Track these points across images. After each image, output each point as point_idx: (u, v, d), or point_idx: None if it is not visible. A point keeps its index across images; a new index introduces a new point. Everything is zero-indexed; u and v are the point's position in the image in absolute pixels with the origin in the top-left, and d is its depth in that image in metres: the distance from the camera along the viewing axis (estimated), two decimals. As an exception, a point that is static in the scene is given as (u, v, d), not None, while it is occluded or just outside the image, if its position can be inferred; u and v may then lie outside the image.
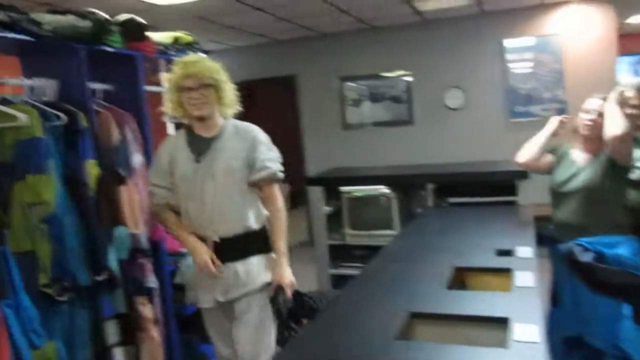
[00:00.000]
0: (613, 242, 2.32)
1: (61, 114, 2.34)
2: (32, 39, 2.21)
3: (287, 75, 7.17)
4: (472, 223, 3.27)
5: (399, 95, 6.58)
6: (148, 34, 2.93)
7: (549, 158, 2.85)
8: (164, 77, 2.25)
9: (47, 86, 2.44)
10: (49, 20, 2.27)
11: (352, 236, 4.20)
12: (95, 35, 2.49)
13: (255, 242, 2.39)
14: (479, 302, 2.00)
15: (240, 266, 2.34)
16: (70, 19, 2.34)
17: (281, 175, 2.42)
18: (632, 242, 2.34)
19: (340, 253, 4.36)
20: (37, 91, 2.40)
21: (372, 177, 4.27)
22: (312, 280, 4.56)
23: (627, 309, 2.21)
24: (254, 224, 2.37)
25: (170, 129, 4.10)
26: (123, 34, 2.75)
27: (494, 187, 3.79)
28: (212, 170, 2.31)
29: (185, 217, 2.39)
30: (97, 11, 2.57)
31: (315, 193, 4.45)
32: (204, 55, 2.32)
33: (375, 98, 6.72)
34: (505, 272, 2.27)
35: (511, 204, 3.66)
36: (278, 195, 2.45)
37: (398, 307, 1.95)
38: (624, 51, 6.91)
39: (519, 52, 5.99)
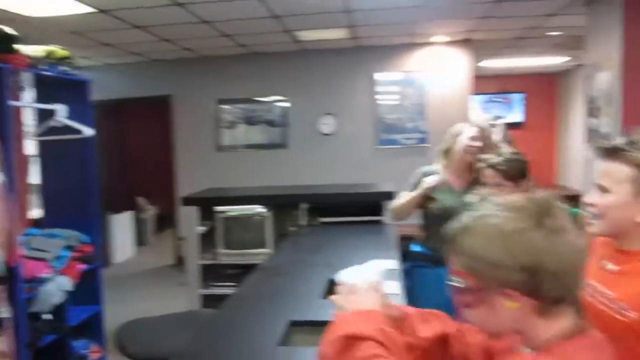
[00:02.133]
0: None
1: None
2: None
3: (161, 96, 7.00)
4: (343, 240, 3.42)
5: (275, 120, 6.72)
6: (18, 46, 2.76)
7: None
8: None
9: None
10: None
11: (226, 255, 4.17)
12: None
13: None
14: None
15: None
16: None
17: None
18: None
19: (212, 273, 4.29)
20: None
21: (247, 197, 4.29)
22: (180, 301, 4.42)
23: None
24: None
25: (31, 148, 3.80)
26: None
27: (363, 207, 3.99)
28: None
29: None
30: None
31: (188, 213, 4.35)
32: None
33: (250, 121, 6.79)
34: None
35: (378, 222, 3.87)
36: None
37: (279, 317, 2.00)
38: (476, 90, 7.69)
39: (387, 85, 6.44)
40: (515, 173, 2.44)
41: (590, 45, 4.63)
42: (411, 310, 1.24)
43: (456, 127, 3.04)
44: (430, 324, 1.21)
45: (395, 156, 6.25)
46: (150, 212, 8.75)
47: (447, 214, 1.05)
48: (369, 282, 1.15)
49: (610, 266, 1.37)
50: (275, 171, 6.54)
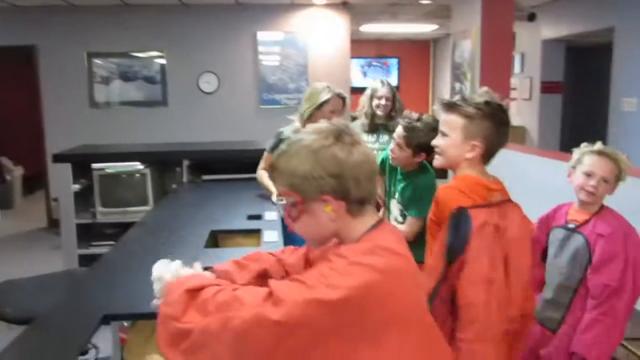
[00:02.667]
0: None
1: None
2: None
3: (25, 46, 6.44)
4: (225, 196, 3.51)
5: (153, 76, 6.50)
6: None
7: None
8: None
9: None
10: None
11: (104, 214, 4.06)
12: None
13: None
14: (231, 256, 2.21)
15: None
16: None
17: None
18: None
19: (90, 233, 4.17)
20: None
21: (126, 153, 4.18)
22: (57, 265, 4.26)
23: None
24: None
25: None
26: None
27: (245, 164, 4.07)
28: None
29: None
30: None
31: (61, 172, 4.14)
32: None
33: (126, 77, 6.51)
34: (256, 232, 2.54)
35: (260, 180, 3.99)
36: None
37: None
38: (356, 54, 7.98)
39: (270, 45, 6.47)
40: (415, 143, 2.29)
41: (456, 15, 5.02)
42: (225, 265, 1.39)
43: (316, 92, 2.91)
44: (246, 269, 1.37)
45: (277, 116, 6.33)
46: (16, 173, 8.12)
47: None
48: (174, 269, 1.25)
49: None
50: (155, 129, 6.37)
